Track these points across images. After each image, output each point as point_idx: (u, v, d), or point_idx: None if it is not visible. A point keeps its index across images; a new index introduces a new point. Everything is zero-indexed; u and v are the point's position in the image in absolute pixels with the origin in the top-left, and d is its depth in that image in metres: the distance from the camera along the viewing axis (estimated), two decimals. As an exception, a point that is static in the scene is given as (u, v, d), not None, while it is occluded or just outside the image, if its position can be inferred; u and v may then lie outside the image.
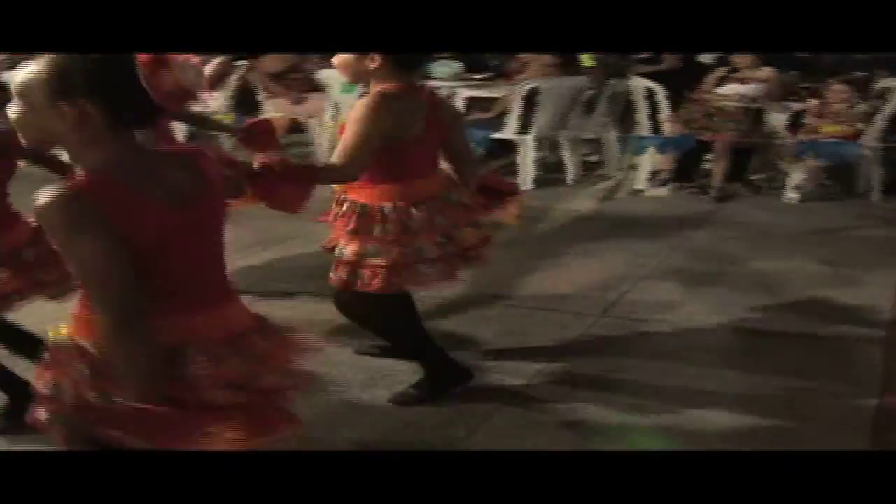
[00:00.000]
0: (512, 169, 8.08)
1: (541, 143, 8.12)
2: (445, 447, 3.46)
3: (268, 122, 3.84)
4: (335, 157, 3.32)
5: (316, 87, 9.04)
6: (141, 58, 2.11)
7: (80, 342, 2.15)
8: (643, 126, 8.02)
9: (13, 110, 2.10)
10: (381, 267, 3.48)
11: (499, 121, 8.02)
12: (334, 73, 7.84)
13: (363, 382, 4.00)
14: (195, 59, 2.29)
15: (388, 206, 3.48)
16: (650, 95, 7.94)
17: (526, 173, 7.92)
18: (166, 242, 2.11)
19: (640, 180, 7.83)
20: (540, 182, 7.96)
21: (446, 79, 8.92)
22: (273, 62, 9.04)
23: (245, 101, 9.18)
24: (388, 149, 3.36)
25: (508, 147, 8.13)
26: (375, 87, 3.44)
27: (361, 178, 3.43)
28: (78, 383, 2.13)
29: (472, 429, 3.60)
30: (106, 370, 2.10)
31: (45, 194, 1.98)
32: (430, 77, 8.90)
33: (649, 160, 7.82)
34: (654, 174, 7.83)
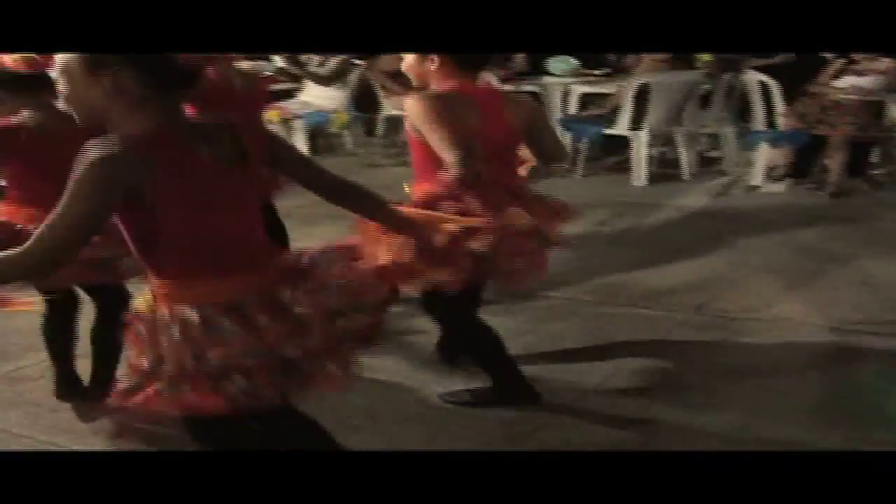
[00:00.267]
0: (626, 165, 8.07)
1: (654, 139, 8.06)
2: (508, 444, 3.50)
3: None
4: (447, 157, 3.26)
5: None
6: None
7: (166, 312, 2.30)
8: (758, 121, 7.88)
9: (60, 91, 2.25)
10: (443, 253, 3.35)
11: (612, 117, 8.00)
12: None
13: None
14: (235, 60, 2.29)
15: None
16: (765, 90, 7.80)
17: (639, 169, 7.89)
18: (213, 199, 2.27)
19: (756, 176, 7.70)
20: (654, 178, 7.92)
21: (562, 75, 8.97)
22: (391, 61, 9.19)
23: (364, 99, 9.39)
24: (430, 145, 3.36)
25: (622, 143, 8.11)
26: (433, 88, 3.47)
27: (420, 176, 3.48)
28: (176, 352, 2.27)
29: (539, 425, 3.63)
30: (198, 334, 2.26)
31: (95, 150, 2.13)
32: (545, 73, 8.97)
33: (765, 156, 7.68)
34: (770, 170, 7.70)
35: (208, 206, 2.27)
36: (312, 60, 9.19)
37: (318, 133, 9.41)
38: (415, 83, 3.59)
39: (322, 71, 9.01)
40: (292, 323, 2.34)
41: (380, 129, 9.72)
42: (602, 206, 7.07)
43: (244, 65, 9.47)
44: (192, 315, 2.27)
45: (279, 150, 2.53)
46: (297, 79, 9.37)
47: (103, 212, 2.16)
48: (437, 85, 3.48)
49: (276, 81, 9.61)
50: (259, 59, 10.21)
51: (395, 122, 9.18)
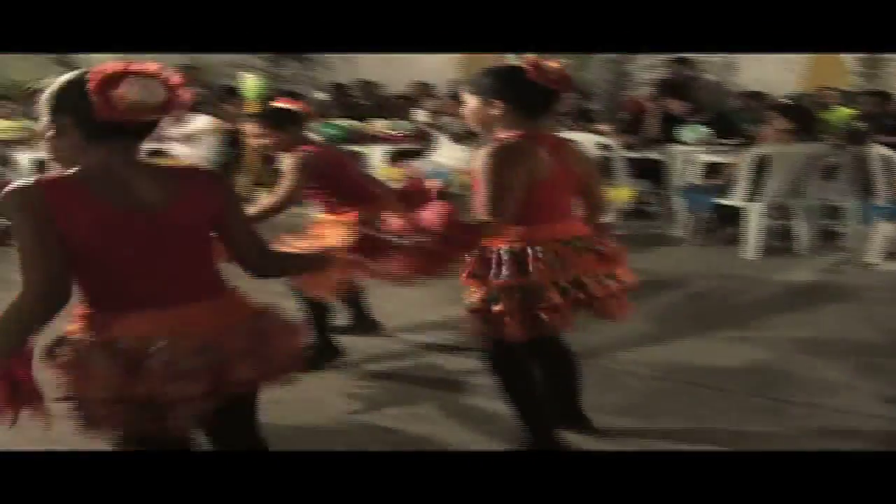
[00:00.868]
0: (737, 237, 7.94)
1: (771, 211, 7.90)
2: None
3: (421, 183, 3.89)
4: (482, 213, 3.31)
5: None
6: (91, 78, 2.34)
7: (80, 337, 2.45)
8: (879, 195, 7.63)
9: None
10: (502, 313, 3.45)
11: (727, 187, 7.89)
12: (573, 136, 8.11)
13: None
14: (152, 68, 2.39)
15: (504, 249, 3.45)
16: (888, 164, 7.55)
17: (751, 242, 7.74)
18: (125, 242, 2.41)
19: (873, 253, 7.44)
20: (768, 251, 7.75)
21: (691, 143, 8.92)
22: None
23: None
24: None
25: (734, 214, 7.99)
26: (497, 136, 3.47)
27: None
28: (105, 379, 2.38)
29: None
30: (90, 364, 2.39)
31: (14, 184, 2.34)
32: (676, 141, 8.94)
33: (884, 232, 7.42)
34: (889, 247, 7.43)
35: (110, 248, 2.40)
36: (446, 119, 9.47)
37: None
38: (478, 129, 3.59)
39: (456, 128, 9.25)
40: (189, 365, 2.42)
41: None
42: (704, 277, 6.99)
43: (380, 124, 9.84)
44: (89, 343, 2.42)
45: (230, 205, 2.64)
46: (425, 137, 9.66)
47: (41, 238, 2.33)
48: (502, 132, 3.46)
49: (408, 139, 9.95)
50: (399, 118, 10.58)
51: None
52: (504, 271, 3.43)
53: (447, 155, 9.37)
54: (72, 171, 2.40)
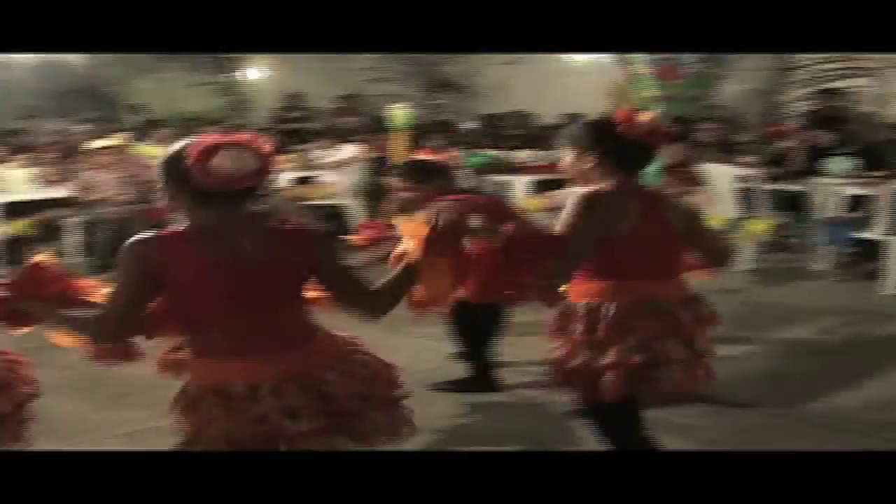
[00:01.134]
0: (876, 272, 7.77)
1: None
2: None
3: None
4: (553, 254, 3.30)
5: (702, 181, 9.23)
6: (189, 152, 2.62)
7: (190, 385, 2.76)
8: None
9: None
10: (571, 370, 3.40)
11: (867, 219, 7.75)
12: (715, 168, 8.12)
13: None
14: (244, 139, 2.66)
15: (582, 304, 3.38)
16: None
17: (891, 277, 7.57)
18: (226, 294, 2.67)
19: None
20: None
21: (838, 175, 8.76)
22: (669, 153, 9.34)
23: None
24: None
25: (875, 248, 7.83)
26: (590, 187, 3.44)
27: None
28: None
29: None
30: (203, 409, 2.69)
31: (139, 235, 2.68)
32: (822, 173, 8.79)
33: None
34: None
35: (212, 299, 2.68)
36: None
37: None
38: (577, 182, 3.54)
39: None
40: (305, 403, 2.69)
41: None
42: (838, 314, 6.89)
43: (525, 154, 9.99)
44: (202, 392, 2.70)
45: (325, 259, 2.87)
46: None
47: (137, 289, 2.67)
48: (596, 183, 3.42)
49: (552, 170, 10.06)
50: (549, 149, 10.70)
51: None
52: (578, 327, 3.38)
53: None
54: (183, 227, 2.70)
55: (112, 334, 2.77)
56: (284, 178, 10.16)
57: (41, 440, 4.22)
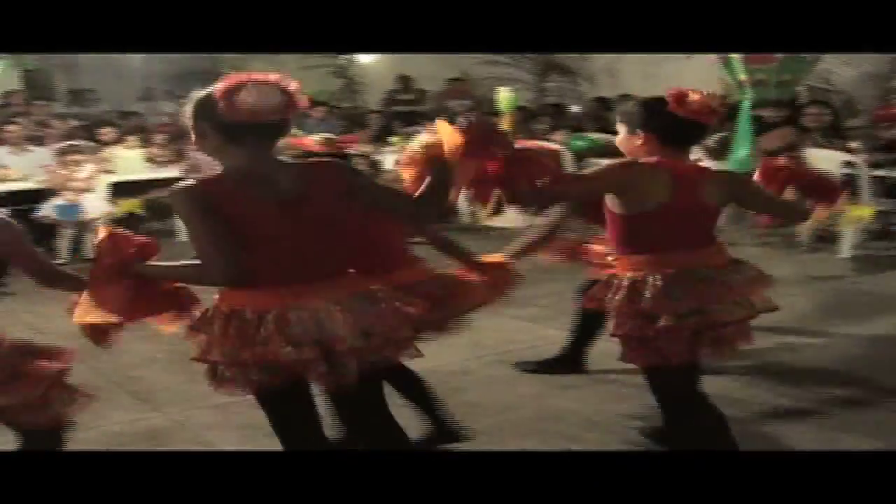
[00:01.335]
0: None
1: None
2: None
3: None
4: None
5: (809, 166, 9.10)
6: (217, 87, 2.78)
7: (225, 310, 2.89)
8: None
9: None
10: (622, 337, 3.51)
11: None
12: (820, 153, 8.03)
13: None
14: (271, 78, 2.85)
15: (627, 276, 3.50)
16: None
17: None
18: (273, 229, 2.83)
19: None
20: None
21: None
22: (772, 139, 9.25)
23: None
24: (627, 219, 3.47)
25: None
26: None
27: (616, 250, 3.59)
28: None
29: None
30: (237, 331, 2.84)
31: (179, 185, 2.82)
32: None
33: None
34: None
35: (250, 233, 2.83)
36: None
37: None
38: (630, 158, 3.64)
39: (710, 143, 9.30)
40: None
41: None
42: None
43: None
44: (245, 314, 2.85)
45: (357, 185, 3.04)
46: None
47: (210, 226, 2.80)
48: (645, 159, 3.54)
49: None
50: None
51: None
52: (618, 297, 3.47)
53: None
54: (218, 173, 2.88)
55: (223, 274, 2.84)
56: (390, 160, 10.35)
57: (139, 409, 4.49)
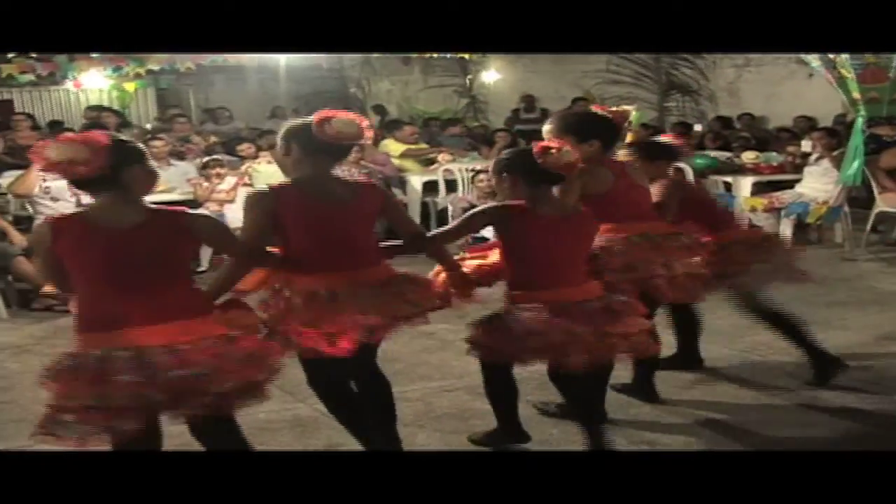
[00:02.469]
0: None
1: None
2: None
3: None
4: None
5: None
6: (315, 117, 3.67)
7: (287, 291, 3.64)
8: None
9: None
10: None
11: None
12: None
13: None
14: (353, 115, 3.71)
15: (600, 244, 4.30)
16: None
17: None
18: (321, 223, 3.64)
19: None
20: None
21: None
22: (891, 158, 9.30)
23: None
24: (590, 202, 4.24)
25: None
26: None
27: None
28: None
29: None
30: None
31: (258, 187, 3.74)
32: None
33: None
34: None
35: (312, 227, 3.65)
36: (816, 153, 9.63)
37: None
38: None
39: (824, 163, 9.43)
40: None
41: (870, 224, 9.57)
42: None
43: (751, 156, 10.06)
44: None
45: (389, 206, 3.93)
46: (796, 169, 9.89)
47: (259, 227, 3.65)
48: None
49: (777, 171, 10.18)
50: (777, 152, 10.77)
51: (887, 219, 9.32)
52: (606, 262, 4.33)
53: (810, 186, 9.55)
54: (290, 180, 3.77)
55: (247, 262, 3.64)
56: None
57: (285, 399, 4.85)
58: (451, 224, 4.28)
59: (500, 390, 4.19)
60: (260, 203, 3.65)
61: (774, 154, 10.71)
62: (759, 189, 9.97)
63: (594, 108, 4.94)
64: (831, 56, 8.07)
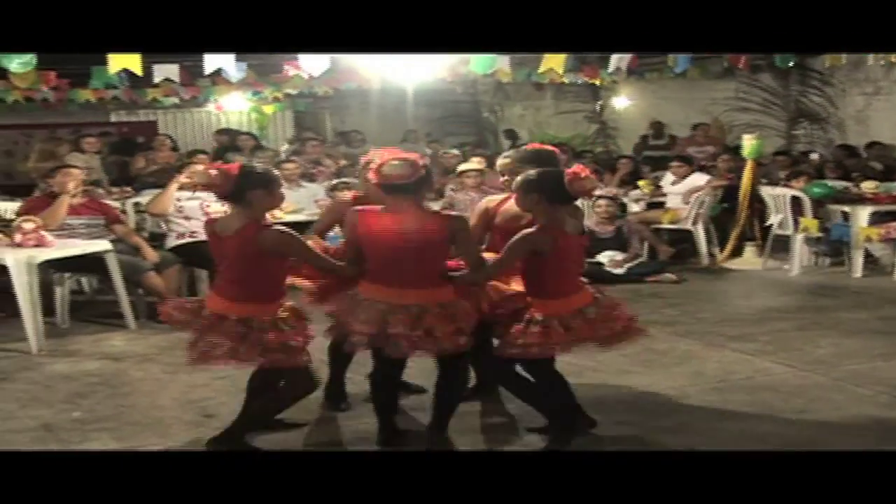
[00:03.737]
0: None
1: None
2: None
3: None
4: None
5: None
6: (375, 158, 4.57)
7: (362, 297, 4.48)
8: None
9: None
10: None
11: None
12: None
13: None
14: (410, 156, 4.34)
15: None
16: None
17: None
18: (392, 244, 4.33)
19: None
20: None
21: None
22: None
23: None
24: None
25: None
26: None
27: None
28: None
29: None
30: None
31: (353, 209, 4.57)
32: None
33: None
34: None
35: (383, 247, 4.37)
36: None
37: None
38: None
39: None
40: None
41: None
42: None
43: (870, 185, 10.17)
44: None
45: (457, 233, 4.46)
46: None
47: (351, 242, 4.57)
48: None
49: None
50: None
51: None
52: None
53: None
54: (378, 207, 4.49)
55: (348, 273, 4.51)
56: (638, 202, 11.07)
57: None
58: (503, 254, 4.55)
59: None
60: (349, 222, 4.48)
61: (895, 184, 10.72)
62: (878, 219, 10.04)
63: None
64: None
